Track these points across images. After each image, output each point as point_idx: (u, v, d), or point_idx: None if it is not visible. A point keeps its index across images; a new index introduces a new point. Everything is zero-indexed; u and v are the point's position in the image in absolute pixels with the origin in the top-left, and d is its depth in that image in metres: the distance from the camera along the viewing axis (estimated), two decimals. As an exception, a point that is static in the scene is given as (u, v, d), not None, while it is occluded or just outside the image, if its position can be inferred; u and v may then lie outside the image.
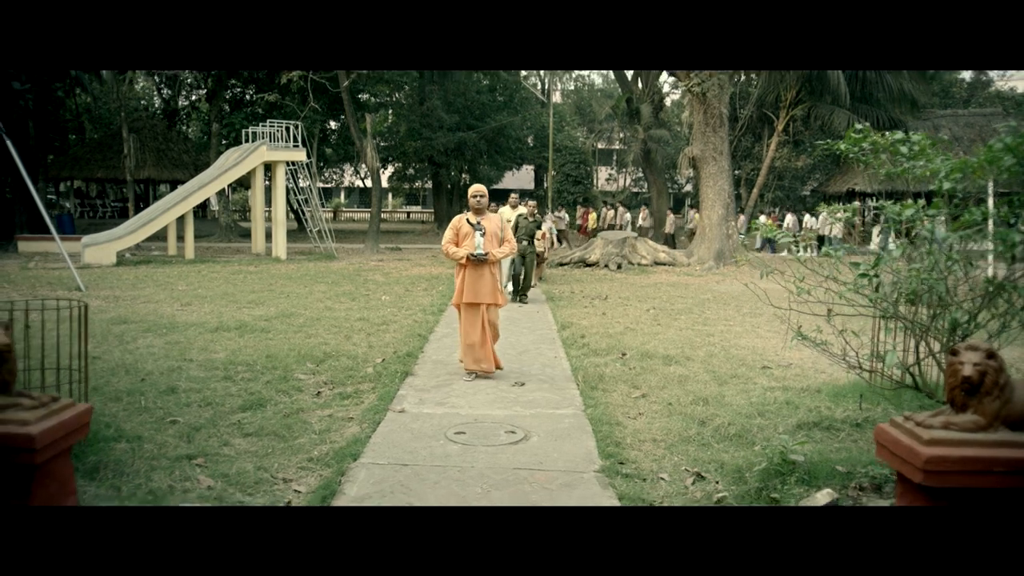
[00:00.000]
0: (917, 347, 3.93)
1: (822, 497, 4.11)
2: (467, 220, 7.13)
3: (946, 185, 3.43)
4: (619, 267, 18.15)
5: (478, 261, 6.94)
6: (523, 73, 40.70)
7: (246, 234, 28.02)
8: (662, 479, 4.62)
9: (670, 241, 24.80)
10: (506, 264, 11.97)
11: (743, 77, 28.15)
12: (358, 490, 4.39)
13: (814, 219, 24.82)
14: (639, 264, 18.55)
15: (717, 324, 10.35)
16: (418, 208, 56.45)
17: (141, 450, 4.83)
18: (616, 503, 4.25)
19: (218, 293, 12.89)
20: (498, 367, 7.21)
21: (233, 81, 29.28)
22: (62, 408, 2.82)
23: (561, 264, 18.36)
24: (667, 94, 33.87)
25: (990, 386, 2.67)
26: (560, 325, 10.15)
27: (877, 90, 23.87)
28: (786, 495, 4.16)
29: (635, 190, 44.74)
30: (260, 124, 21.05)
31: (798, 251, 5.45)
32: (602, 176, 45.54)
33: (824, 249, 5.32)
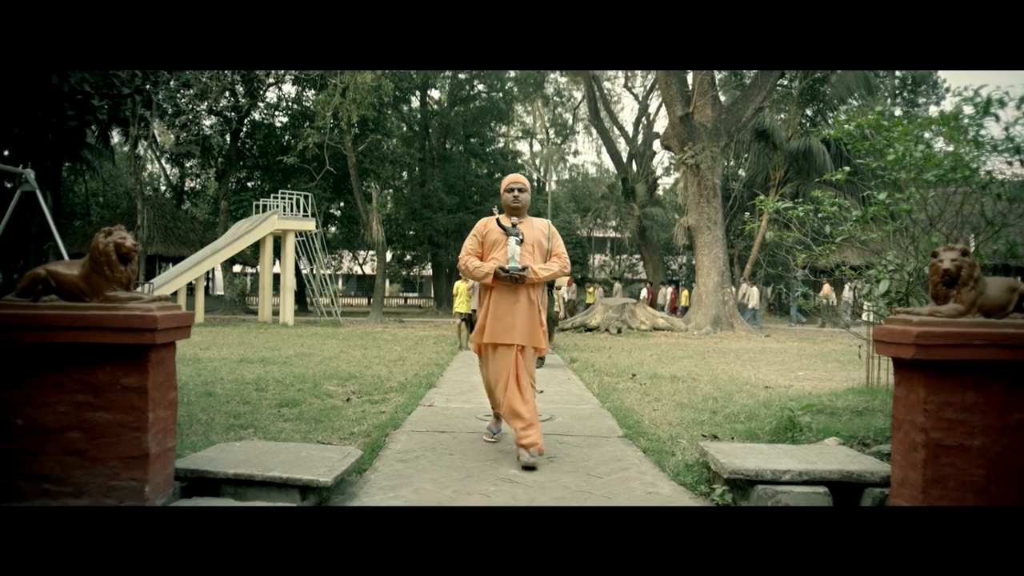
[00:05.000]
0: (908, 282, 4.43)
1: (831, 442, 4.52)
2: (497, 222, 4.79)
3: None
4: (619, 331, 18.64)
5: (511, 280, 4.54)
6: (519, 161, 42.35)
7: (251, 311, 28.55)
8: (681, 442, 5.01)
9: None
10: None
11: (732, 161, 29.46)
12: (402, 446, 4.76)
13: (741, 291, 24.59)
14: (638, 329, 19.05)
15: (719, 364, 10.78)
16: (415, 294, 57.48)
17: (196, 420, 5.21)
18: (640, 454, 4.63)
19: (234, 342, 13.30)
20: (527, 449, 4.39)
21: (241, 162, 30.42)
22: (173, 306, 3.28)
23: (562, 329, 18.83)
24: (659, 176, 35.18)
25: (966, 278, 3.17)
26: (569, 360, 10.57)
27: (862, 167, 24.95)
28: (797, 441, 4.56)
29: (629, 276, 45.74)
30: (272, 196, 21.87)
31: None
32: (597, 260, 46.67)
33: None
